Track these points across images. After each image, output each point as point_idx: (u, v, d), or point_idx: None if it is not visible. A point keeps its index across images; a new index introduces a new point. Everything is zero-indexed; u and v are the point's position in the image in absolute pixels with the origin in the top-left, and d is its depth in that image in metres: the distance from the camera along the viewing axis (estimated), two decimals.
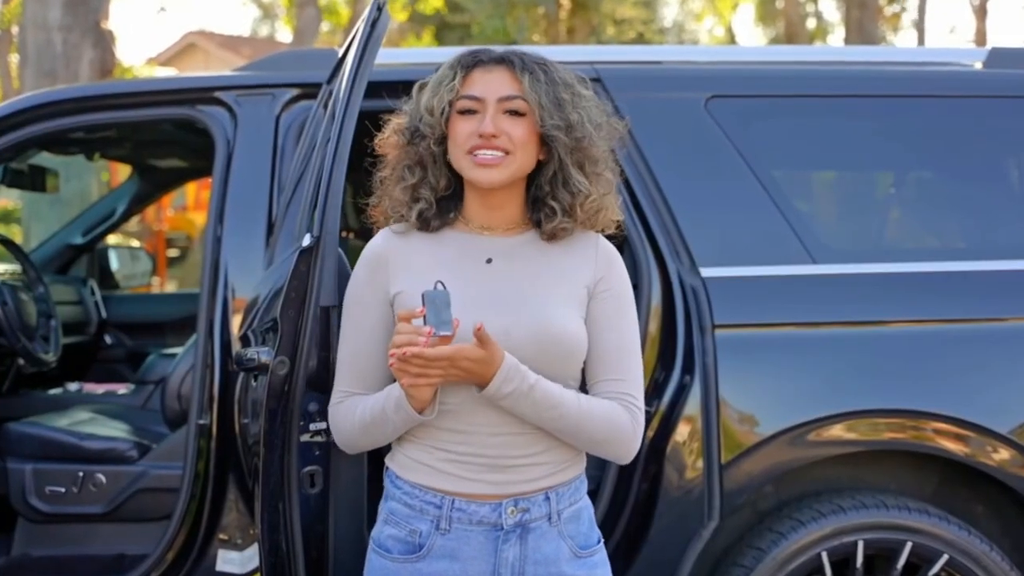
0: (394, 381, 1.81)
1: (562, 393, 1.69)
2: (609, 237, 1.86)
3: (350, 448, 1.84)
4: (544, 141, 1.76)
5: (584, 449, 1.78)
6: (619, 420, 1.73)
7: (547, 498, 1.75)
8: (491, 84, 1.74)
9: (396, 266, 1.80)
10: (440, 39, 19.52)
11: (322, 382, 1.96)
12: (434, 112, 1.75)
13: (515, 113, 1.74)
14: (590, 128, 1.77)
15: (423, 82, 1.82)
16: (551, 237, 1.79)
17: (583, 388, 1.80)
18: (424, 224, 1.80)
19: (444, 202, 1.82)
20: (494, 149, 1.72)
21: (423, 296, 1.60)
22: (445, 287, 1.62)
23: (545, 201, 1.79)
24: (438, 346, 1.58)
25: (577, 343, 1.73)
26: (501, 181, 1.74)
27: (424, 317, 1.59)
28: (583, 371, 1.79)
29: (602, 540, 1.84)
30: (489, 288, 1.75)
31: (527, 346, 1.69)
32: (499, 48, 1.80)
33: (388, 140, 1.84)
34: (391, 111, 1.88)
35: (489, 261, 1.78)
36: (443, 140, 1.77)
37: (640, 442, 1.77)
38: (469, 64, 1.76)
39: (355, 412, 1.77)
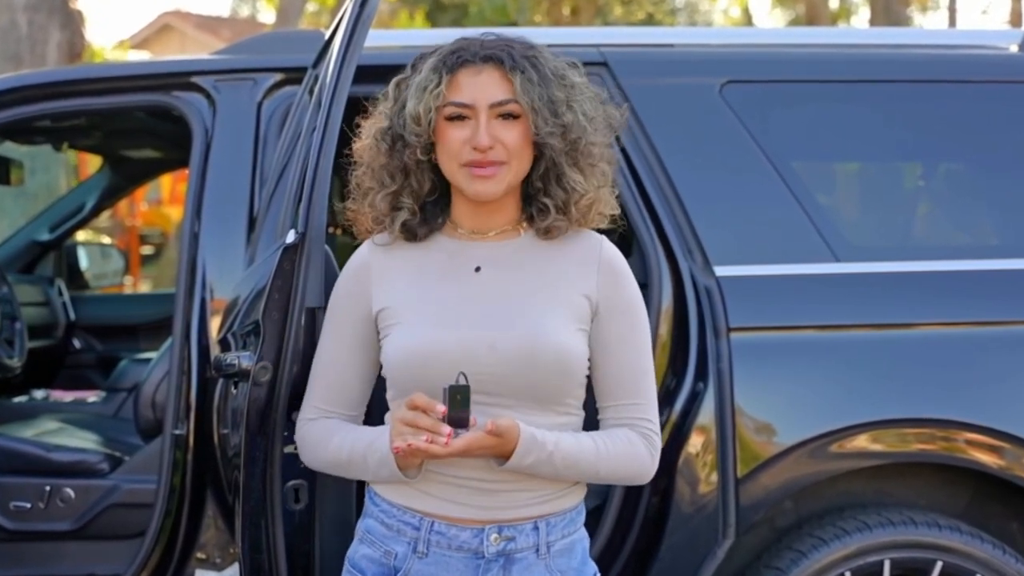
0: (369, 399, 1.84)
1: (579, 448, 1.71)
2: (610, 232, 1.86)
3: (315, 468, 1.86)
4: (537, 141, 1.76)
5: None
6: (638, 455, 1.76)
7: (536, 527, 1.75)
8: (480, 88, 1.72)
9: (379, 280, 1.80)
10: (434, 21, 19.50)
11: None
12: (420, 121, 1.73)
13: (508, 116, 1.73)
14: (584, 123, 1.76)
15: (400, 78, 1.81)
16: (546, 234, 1.79)
17: (588, 400, 1.80)
18: (409, 235, 1.80)
19: (430, 206, 1.82)
20: (490, 164, 1.71)
21: (444, 391, 1.59)
22: (467, 379, 1.61)
23: (537, 198, 1.79)
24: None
25: (570, 358, 1.73)
26: (500, 192, 1.74)
27: (445, 416, 1.59)
28: (588, 384, 1.80)
29: (597, 575, 1.84)
30: (476, 300, 1.75)
31: (514, 361, 1.69)
32: (482, 39, 1.77)
33: (367, 143, 1.83)
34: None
35: (478, 270, 1.78)
36: (430, 148, 1.77)
37: (657, 466, 1.80)
38: (454, 65, 1.74)
39: (330, 443, 1.79)
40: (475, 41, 1.77)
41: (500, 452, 1.65)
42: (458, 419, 1.59)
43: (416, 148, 1.75)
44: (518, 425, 1.65)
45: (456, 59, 1.74)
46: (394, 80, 1.82)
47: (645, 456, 1.77)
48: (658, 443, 1.79)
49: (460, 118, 1.73)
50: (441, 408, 1.59)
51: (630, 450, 1.75)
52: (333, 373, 1.82)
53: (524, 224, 1.82)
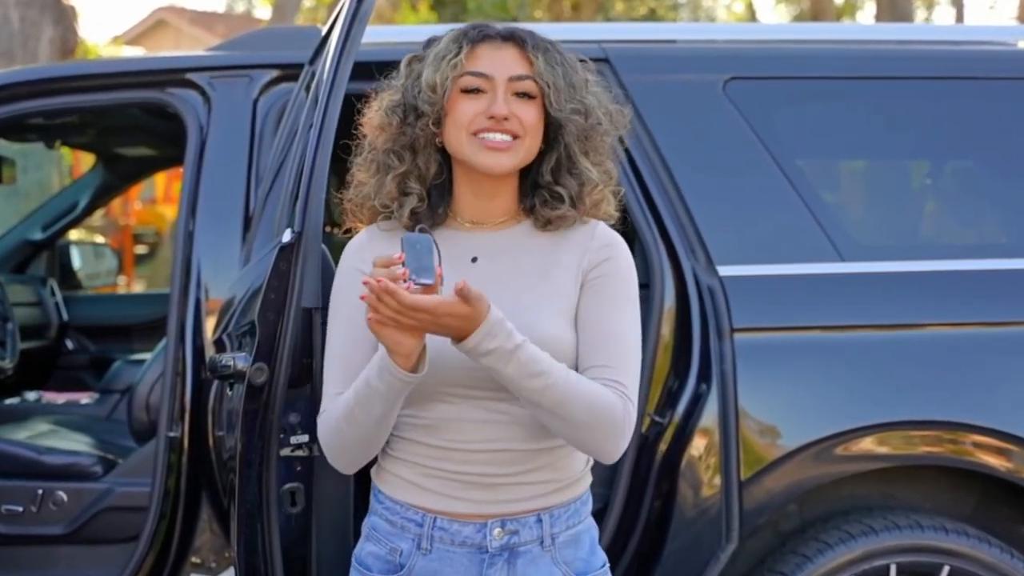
0: None
1: (550, 362, 1.64)
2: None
3: (340, 459, 1.78)
4: (547, 127, 1.76)
5: (566, 437, 1.71)
6: (609, 404, 1.67)
7: (539, 520, 1.74)
8: (500, 61, 1.74)
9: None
10: (434, 15, 19.53)
11: (304, 390, 1.96)
12: (436, 89, 1.73)
13: (524, 95, 1.74)
14: (600, 114, 1.78)
15: (415, 55, 1.81)
16: (546, 225, 1.79)
17: None
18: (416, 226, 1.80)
19: (434, 194, 1.82)
20: (504, 132, 1.71)
21: (402, 240, 1.57)
22: (430, 232, 1.59)
23: (549, 188, 1.78)
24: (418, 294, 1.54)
25: (563, 349, 1.72)
26: (511, 167, 1.74)
27: (403, 263, 1.55)
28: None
29: (607, 564, 1.83)
30: None
31: None
32: (505, 24, 1.80)
33: (375, 120, 1.83)
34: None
35: (474, 260, 1.78)
36: (440, 121, 1.77)
37: (629, 439, 1.71)
38: (475, 38, 1.75)
39: (339, 405, 1.72)
40: (495, 23, 1.79)
41: (466, 328, 1.57)
42: (419, 268, 1.54)
43: (429, 119, 1.75)
44: (489, 304, 1.58)
45: (477, 33, 1.76)
46: (407, 57, 1.82)
47: (617, 410, 1.67)
48: (633, 412, 1.70)
49: (476, 91, 1.73)
50: (398, 255, 1.55)
51: (602, 396, 1.66)
52: (348, 355, 1.76)
53: (522, 214, 1.82)
